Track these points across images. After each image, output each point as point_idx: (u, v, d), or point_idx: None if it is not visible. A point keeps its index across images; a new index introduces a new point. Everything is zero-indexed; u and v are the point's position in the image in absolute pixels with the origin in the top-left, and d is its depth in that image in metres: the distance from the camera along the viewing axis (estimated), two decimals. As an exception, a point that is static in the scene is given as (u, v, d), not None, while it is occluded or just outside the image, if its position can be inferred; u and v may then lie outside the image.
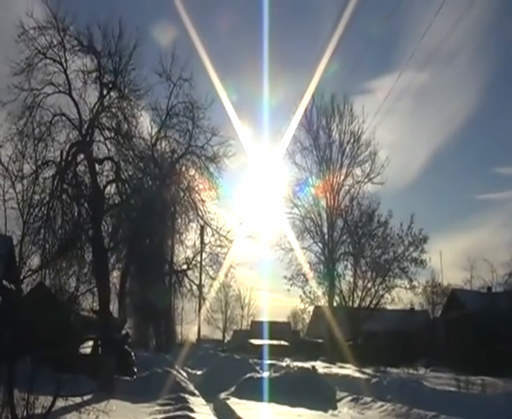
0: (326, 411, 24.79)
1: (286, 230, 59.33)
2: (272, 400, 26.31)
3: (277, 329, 79.91)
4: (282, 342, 68.17)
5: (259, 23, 39.58)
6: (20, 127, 26.76)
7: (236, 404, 25.01)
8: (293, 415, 22.73)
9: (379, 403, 25.02)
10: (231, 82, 40.08)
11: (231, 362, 37.74)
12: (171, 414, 20.41)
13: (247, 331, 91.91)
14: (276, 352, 55.80)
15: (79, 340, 28.13)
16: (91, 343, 31.80)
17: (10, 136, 25.78)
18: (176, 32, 37.29)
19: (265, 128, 47.96)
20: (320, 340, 64.71)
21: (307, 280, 59.91)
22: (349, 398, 27.72)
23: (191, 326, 63.01)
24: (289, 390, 27.69)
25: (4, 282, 29.56)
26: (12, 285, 28.84)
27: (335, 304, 60.92)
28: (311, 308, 65.13)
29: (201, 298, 35.63)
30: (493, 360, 38.22)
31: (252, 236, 38.56)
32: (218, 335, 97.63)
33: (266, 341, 59.12)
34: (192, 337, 71.27)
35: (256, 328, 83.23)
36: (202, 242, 34.70)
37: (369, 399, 26.32)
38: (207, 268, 33.71)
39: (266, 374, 32.57)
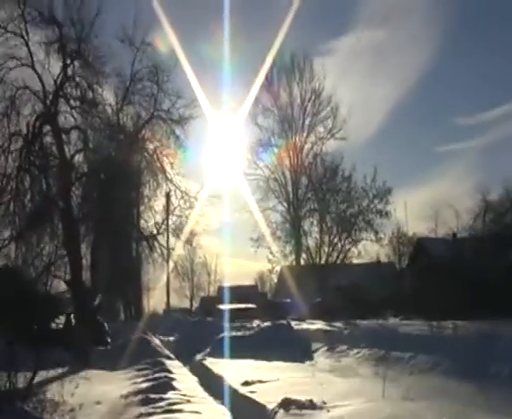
0: (303, 362, 25.06)
1: (248, 192, 59.14)
2: (247, 357, 26.44)
3: (244, 293, 79.86)
4: (250, 305, 68.16)
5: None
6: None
7: (212, 364, 25.16)
8: (270, 368, 22.92)
9: (355, 350, 25.37)
10: (192, 46, 39.77)
11: (202, 326, 38.02)
12: (150, 377, 20.53)
13: (214, 297, 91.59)
14: (244, 315, 55.79)
15: (49, 316, 27.97)
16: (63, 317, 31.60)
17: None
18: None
19: (226, 91, 47.66)
20: (288, 300, 64.84)
21: (273, 240, 60.08)
22: (325, 348, 28.04)
23: (159, 296, 62.94)
24: (264, 346, 27.94)
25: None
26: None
27: (302, 262, 61.18)
28: (278, 268, 65.17)
29: (169, 261, 35.64)
30: (460, 304, 38.62)
31: (215, 200, 38.54)
32: (186, 304, 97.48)
33: (233, 305, 59.09)
34: (159, 307, 71.41)
35: (223, 294, 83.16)
36: (168, 207, 34.72)
37: (344, 347, 26.65)
38: (177, 231, 33.72)
39: (240, 333, 32.69)
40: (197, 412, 14.85)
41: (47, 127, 28.26)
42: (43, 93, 28.21)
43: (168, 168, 32.21)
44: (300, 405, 15.29)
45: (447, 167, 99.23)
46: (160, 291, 60.83)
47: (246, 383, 19.59)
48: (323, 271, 59.46)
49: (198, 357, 28.05)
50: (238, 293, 72.58)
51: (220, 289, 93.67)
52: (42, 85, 28.33)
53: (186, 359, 27.63)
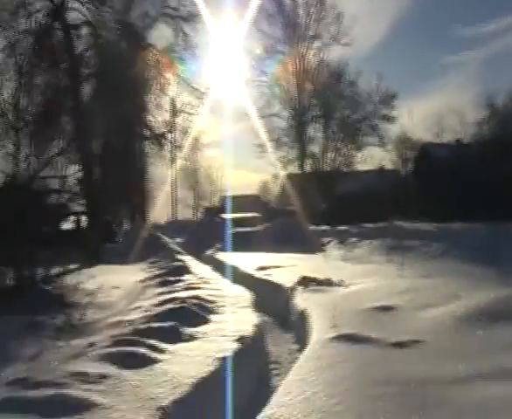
0: (314, 253, 25.25)
1: (251, 100, 58.43)
2: (259, 250, 26.60)
3: (248, 202, 79.46)
4: (254, 214, 68.18)
5: None
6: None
7: (224, 256, 25.34)
8: (283, 258, 23.06)
9: (366, 241, 25.56)
10: None
11: (209, 226, 38.08)
12: (165, 265, 20.67)
13: (218, 207, 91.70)
14: (248, 224, 55.93)
15: (58, 218, 28.08)
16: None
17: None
18: None
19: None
20: (292, 208, 64.86)
21: (277, 146, 59.99)
22: (335, 241, 28.23)
23: (162, 207, 62.97)
24: (274, 241, 28.11)
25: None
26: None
27: (307, 168, 61.14)
28: (282, 174, 65.07)
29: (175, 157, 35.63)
30: (465, 207, 38.78)
31: (218, 111, 38.29)
32: (189, 214, 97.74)
33: (237, 215, 59.14)
34: (162, 218, 71.47)
35: (226, 203, 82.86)
36: (174, 110, 34.56)
37: (354, 239, 26.80)
38: (185, 130, 33.68)
39: (250, 229, 32.89)
40: (217, 289, 15.07)
41: (57, 24, 27.95)
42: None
43: (178, 63, 31.89)
44: (319, 282, 15.53)
45: (451, 77, 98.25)
46: (163, 202, 60.93)
47: (262, 268, 19.83)
48: (327, 179, 59.55)
49: (209, 252, 28.22)
50: (242, 203, 72.38)
51: (223, 199, 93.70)
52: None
53: (196, 255, 27.76)
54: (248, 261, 22.29)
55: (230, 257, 24.06)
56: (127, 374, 7.97)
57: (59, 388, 7.26)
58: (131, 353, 8.90)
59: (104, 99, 28.65)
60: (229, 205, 68.76)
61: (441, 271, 17.06)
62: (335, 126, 59.75)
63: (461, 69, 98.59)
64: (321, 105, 59.52)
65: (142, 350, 9.01)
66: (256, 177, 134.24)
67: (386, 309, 11.58)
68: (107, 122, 29.46)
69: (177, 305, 12.16)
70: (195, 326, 10.97)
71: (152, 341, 9.50)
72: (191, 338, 10.23)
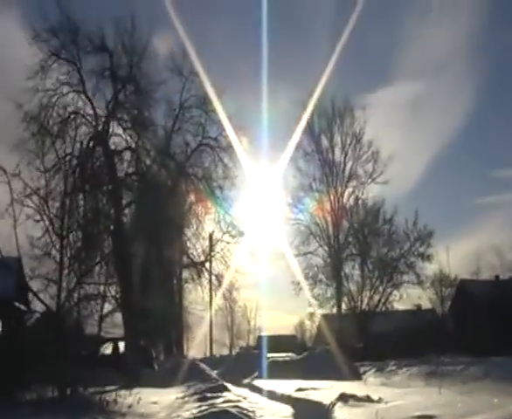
0: (352, 381, 24.99)
1: (288, 240, 58.57)
2: (296, 379, 26.35)
3: (283, 342, 78.89)
4: (290, 354, 67.44)
5: (259, 32, 39.78)
6: (37, 126, 27.45)
7: (261, 383, 25.16)
8: (320, 383, 22.81)
9: (404, 369, 25.28)
10: (230, 93, 40.49)
11: (246, 358, 37.83)
12: (203, 387, 20.55)
13: (254, 347, 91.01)
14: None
15: (97, 344, 28.37)
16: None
17: (28, 137, 26.61)
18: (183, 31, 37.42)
19: (266, 138, 47.80)
20: (328, 347, 64.13)
21: (315, 283, 59.94)
22: (373, 370, 27.96)
23: (197, 344, 62.77)
24: (311, 370, 27.87)
25: (16, 303, 29.99)
26: (23, 306, 29.42)
27: (343, 306, 60.90)
28: (319, 312, 64.82)
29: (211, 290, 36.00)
30: (504, 346, 38.34)
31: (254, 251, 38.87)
32: (226, 353, 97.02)
33: (274, 354, 58.68)
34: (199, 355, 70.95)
35: (262, 343, 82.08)
36: (211, 247, 35.11)
37: (394, 367, 26.55)
38: (224, 259, 34.13)
39: (287, 358, 32.67)
40: (257, 403, 15.08)
41: (99, 149, 29.08)
42: (94, 117, 29.17)
43: (217, 192, 32.73)
44: (358, 399, 15.46)
45: (489, 217, 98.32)
46: (200, 339, 60.82)
47: (300, 390, 19.73)
48: (363, 318, 59.21)
49: (246, 380, 28.02)
50: (277, 343, 71.77)
51: (259, 338, 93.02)
52: (93, 110, 29.35)
53: (234, 383, 27.57)
54: (286, 386, 22.12)
55: (267, 384, 23.94)
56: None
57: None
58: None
59: (144, 225, 29.29)
60: (265, 345, 68.21)
61: (481, 389, 16.90)
62: (371, 264, 59.82)
63: (499, 209, 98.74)
64: (358, 242, 59.89)
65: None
66: (292, 319, 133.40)
67: (427, 418, 11.53)
68: (146, 248, 30.03)
69: (219, 410, 12.23)
70: (238, 428, 11.05)
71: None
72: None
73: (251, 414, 12.88)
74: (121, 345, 30.46)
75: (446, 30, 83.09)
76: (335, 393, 16.79)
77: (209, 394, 16.93)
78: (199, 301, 41.47)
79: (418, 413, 11.86)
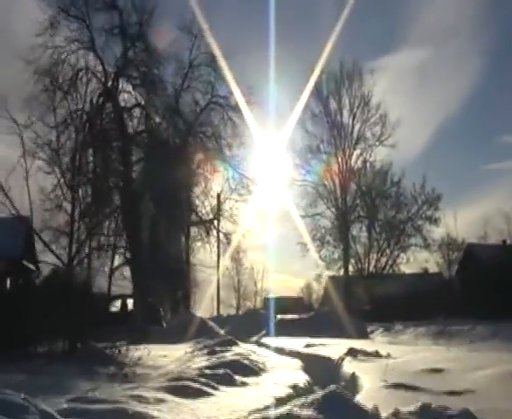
0: (359, 340, 25.07)
1: (295, 202, 58.34)
2: (303, 336, 26.42)
3: (290, 304, 79.09)
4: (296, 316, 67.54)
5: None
6: (48, 80, 27.42)
7: (270, 340, 25.24)
8: (328, 341, 22.86)
9: (412, 329, 25.37)
10: (238, 54, 40.08)
11: (253, 316, 37.90)
12: (212, 342, 20.58)
13: (260, 308, 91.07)
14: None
15: (106, 302, 28.48)
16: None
17: (38, 92, 26.52)
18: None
19: (274, 99, 47.57)
20: (336, 307, 64.21)
21: (322, 245, 59.91)
22: (381, 329, 28.03)
23: (204, 305, 62.85)
24: (319, 328, 27.94)
25: (25, 262, 30.09)
26: (32, 265, 29.53)
27: (350, 268, 60.96)
28: (326, 274, 64.74)
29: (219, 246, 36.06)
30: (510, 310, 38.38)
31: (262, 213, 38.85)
32: (233, 313, 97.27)
33: (280, 316, 58.81)
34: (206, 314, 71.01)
35: (269, 305, 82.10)
36: (218, 208, 35.08)
37: (401, 327, 26.64)
38: (233, 218, 34.19)
39: (295, 317, 32.75)
40: (266, 356, 15.17)
41: (109, 106, 29.09)
42: (104, 74, 29.15)
43: (226, 150, 32.73)
44: (367, 353, 15.55)
45: (497, 183, 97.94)
46: (206, 299, 60.93)
47: (308, 346, 19.81)
48: (370, 280, 59.18)
49: (254, 338, 28.11)
50: (284, 305, 71.91)
51: (266, 300, 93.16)
52: (103, 67, 29.39)
53: (241, 341, 27.65)
54: (294, 343, 22.21)
55: (275, 341, 24.01)
56: (183, 401, 8.14)
57: (119, 404, 7.46)
58: (186, 386, 9.07)
59: (153, 181, 29.28)
60: (272, 306, 68.32)
61: (489, 347, 16.97)
62: (379, 226, 59.80)
63: (506, 175, 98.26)
64: (366, 205, 59.79)
65: (197, 385, 9.18)
66: (299, 282, 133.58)
67: (436, 371, 11.63)
68: (155, 204, 30.07)
69: (229, 360, 12.32)
70: (247, 376, 11.11)
71: (205, 381, 9.67)
72: (244, 384, 10.37)
73: (261, 365, 12.97)
74: (130, 302, 30.57)
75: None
76: (343, 349, 16.88)
77: (218, 349, 17.01)
78: (207, 261, 41.51)
79: (426, 367, 11.92)
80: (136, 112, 29.89)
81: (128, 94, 29.89)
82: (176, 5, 40.90)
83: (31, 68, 27.75)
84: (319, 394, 7.10)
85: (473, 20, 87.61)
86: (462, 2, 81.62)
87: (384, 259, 59.48)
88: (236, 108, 32.25)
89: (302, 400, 7.07)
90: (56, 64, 28.45)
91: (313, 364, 15.87)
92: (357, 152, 60.24)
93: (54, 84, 27.59)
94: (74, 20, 29.28)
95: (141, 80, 29.71)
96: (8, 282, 28.17)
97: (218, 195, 36.49)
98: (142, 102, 29.79)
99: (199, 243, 38.01)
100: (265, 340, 25.69)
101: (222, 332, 28.85)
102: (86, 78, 28.70)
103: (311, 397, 7.00)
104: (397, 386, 9.68)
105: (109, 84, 29.05)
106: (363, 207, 60.57)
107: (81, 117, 27.10)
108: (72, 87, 28.18)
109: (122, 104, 29.50)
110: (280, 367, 13.37)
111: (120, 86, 29.64)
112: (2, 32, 41.89)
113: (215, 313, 65.25)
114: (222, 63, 31.51)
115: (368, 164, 60.10)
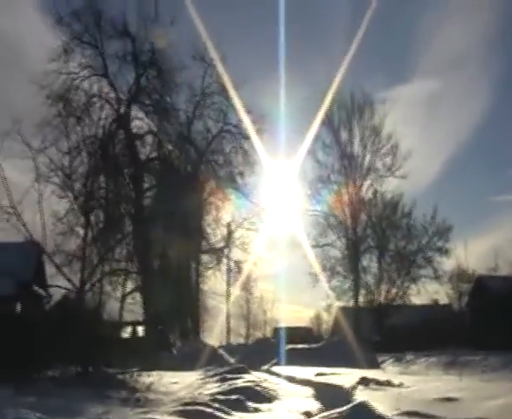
0: (371, 369, 24.98)
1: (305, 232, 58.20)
2: (314, 366, 26.32)
3: (300, 334, 78.74)
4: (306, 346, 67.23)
5: (278, 23, 39.74)
6: (62, 105, 27.69)
7: (280, 369, 25.14)
8: (339, 370, 22.81)
9: (423, 359, 25.26)
10: (249, 84, 40.36)
11: (264, 345, 37.76)
12: (223, 370, 20.54)
13: (270, 338, 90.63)
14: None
15: (117, 327, 28.49)
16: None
17: (51, 117, 26.76)
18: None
19: (285, 128, 47.62)
20: (346, 337, 63.91)
21: (332, 275, 59.76)
22: (392, 360, 27.93)
23: (215, 333, 62.72)
24: (330, 358, 27.78)
25: (35, 287, 30.21)
26: (42, 291, 29.66)
27: (360, 298, 60.70)
28: (335, 305, 64.55)
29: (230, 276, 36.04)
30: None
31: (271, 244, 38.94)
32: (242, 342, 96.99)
33: (290, 346, 58.55)
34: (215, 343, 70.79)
35: (279, 335, 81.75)
36: (229, 231, 35.12)
37: (412, 357, 26.52)
38: (244, 246, 34.24)
39: (306, 346, 32.65)
40: (277, 384, 15.15)
41: (121, 132, 29.32)
42: (116, 101, 29.42)
43: (238, 178, 32.88)
44: (379, 382, 15.53)
45: (504, 217, 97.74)
46: (216, 328, 60.77)
47: (319, 375, 19.77)
48: (380, 311, 59.02)
49: (265, 367, 28.02)
50: (294, 334, 71.64)
51: (276, 330, 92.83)
52: (115, 93, 29.71)
53: (252, 369, 27.55)
54: (305, 372, 22.13)
55: (286, 370, 23.92)
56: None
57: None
58: (199, 411, 9.09)
59: (164, 209, 29.41)
60: (282, 336, 67.98)
61: (501, 377, 16.90)
62: (389, 257, 59.65)
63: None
64: (376, 235, 59.69)
65: (210, 410, 9.19)
66: (309, 312, 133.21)
67: (449, 399, 11.63)
68: (165, 231, 30.17)
69: (241, 386, 12.33)
70: (260, 402, 11.13)
71: (218, 407, 9.68)
72: (257, 410, 10.38)
73: (273, 392, 12.98)
74: (139, 329, 30.55)
75: (464, 27, 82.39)
76: (354, 378, 16.87)
77: (229, 376, 16.99)
78: (218, 289, 41.52)
79: (439, 396, 11.91)
80: (148, 139, 30.17)
81: (140, 121, 30.22)
82: (189, 33, 41.03)
83: (44, 93, 28.16)
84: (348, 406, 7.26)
85: (482, 49, 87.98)
86: (472, 31, 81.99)
87: (394, 290, 59.13)
88: (247, 136, 32.49)
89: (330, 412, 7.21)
90: (69, 89, 28.82)
91: (324, 392, 15.82)
92: (368, 182, 60.21)
93: (67, 109, 27.89)
94: (87, 46, 29.74)
95: (153, 107, 30.01)
96: (19, 306, 28.28)
97: (229, 224, 36.64)
98: (155, 129, 30.04)
99: (210, 271, 38.24)
100: (276, 369, 25.58)
101: (232, 360, 28.78)
102: (99, 104, 29.05)
103: (339, 409, 7.14)
104: (410, 414, 9.71)
105: (122, 110, 29.33)
106: (373, 237, 60.40)
107: (94, 143, 27.34)
108: (85, 113, 28.49)
109: (135, 131, 29.79)
110: (292, 395, 13.37)
111: (132, 113, 29.83)
112: (16, 58, 42.27)
113: (224, 342, 65.32)
114: (233, 92, 31.85)
115: (378, 195, 60.07)
